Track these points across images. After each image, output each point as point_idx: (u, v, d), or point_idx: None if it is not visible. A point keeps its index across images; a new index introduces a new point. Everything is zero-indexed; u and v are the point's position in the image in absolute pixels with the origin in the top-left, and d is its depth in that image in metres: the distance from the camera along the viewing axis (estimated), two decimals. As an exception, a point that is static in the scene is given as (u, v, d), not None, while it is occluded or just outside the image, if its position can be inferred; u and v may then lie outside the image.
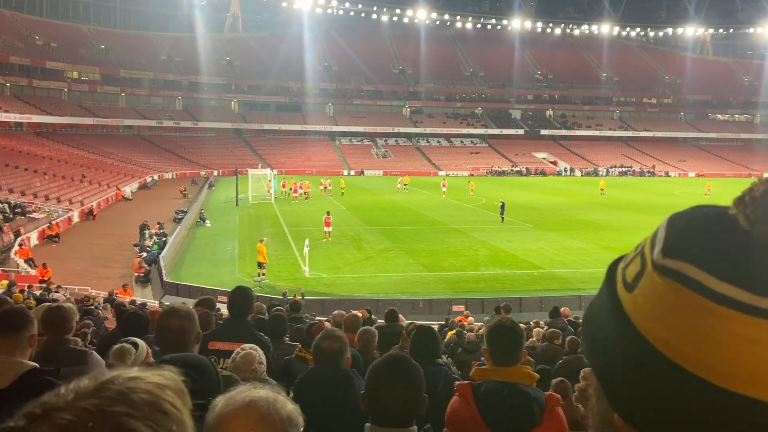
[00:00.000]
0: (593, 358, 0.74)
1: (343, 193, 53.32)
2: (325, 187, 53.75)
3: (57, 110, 74.90)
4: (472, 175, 79.51)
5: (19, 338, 2.97)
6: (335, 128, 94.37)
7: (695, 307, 0.63)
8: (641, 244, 0.74)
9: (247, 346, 3.72)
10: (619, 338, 0.69)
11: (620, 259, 0.79)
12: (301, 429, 1.36)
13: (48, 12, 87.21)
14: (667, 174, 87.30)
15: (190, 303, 18.04)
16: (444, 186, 54.28)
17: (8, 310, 3.25)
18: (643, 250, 0.72)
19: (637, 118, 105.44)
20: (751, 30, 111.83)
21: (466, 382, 3.00)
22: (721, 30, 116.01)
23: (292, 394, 3.42)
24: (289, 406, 1.36)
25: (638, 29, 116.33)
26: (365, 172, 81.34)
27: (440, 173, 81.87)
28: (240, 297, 4.70)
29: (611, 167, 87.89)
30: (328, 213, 32.50)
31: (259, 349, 3.72)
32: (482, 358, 3.65)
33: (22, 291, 15.44)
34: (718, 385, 0.61)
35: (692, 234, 0.67)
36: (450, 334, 11.96)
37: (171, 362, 2.35)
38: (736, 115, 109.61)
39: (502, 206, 38.61)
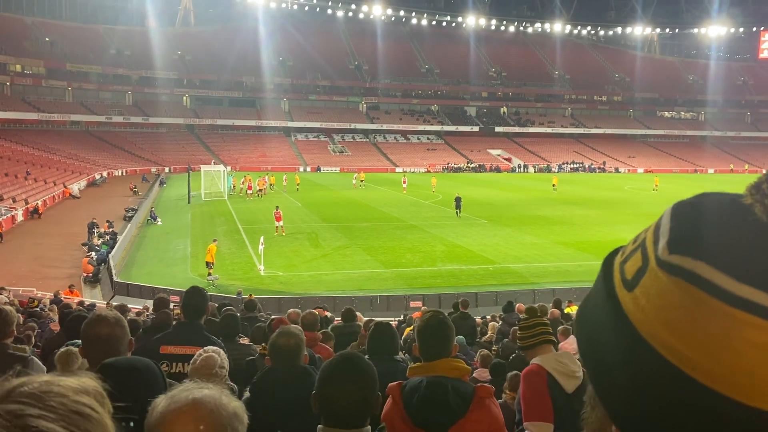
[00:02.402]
0: (588, 362, 0.67)
1: (298, 189, 52.93)
2: (271, 184, 52.67)
3: (-1, 105, 72.10)
4: (428, 171, 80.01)
5: None
6: (291, 124, 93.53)
7: (708, 311, 0.55)
8: (641, 236, 0.66)
9: (210, 348, 3.59)
10: (618, 342, 0.62)
11: (617, 251, 0.71)
12: (246, 425, 1.33)
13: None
14: (617, 170, 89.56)
15: (143, 303, 17.54)
16: (404, 182, 54.42)
17: None
18: (644, 243, 0.64)
19: (588, 116, 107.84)
20: (696, 30, 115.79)
21: (396, 383, 2.95)
22: (667, 30, 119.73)
23: (249, 394, 3.33)
24: (234, 402, 1.33)
25: (589, 28, 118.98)
26: (322, 168, 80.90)
27: (397, 170, 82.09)
28: (194, 298, 4.54)
29: (563, 164, 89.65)
30: (277, 207, 32.70)
31: (222, 352, 3.59)
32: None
33: (-39, 293, 14.76)
34: (733, 398, 0.54)
35: (702, 226, 0.59)
36: (408, 330, 11.95)
37: (114, 366, 2.23)
38: (683, 113, 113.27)
39: (458, 201, 39.04)
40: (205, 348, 3.66)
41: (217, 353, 3.58)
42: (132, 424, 1.83)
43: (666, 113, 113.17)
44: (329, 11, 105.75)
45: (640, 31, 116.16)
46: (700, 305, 0.56)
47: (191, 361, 3.59)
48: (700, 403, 0.55)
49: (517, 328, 8.68)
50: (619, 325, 0.62)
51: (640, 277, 0.62)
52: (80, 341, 4.18)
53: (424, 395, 2.82)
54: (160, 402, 1.31)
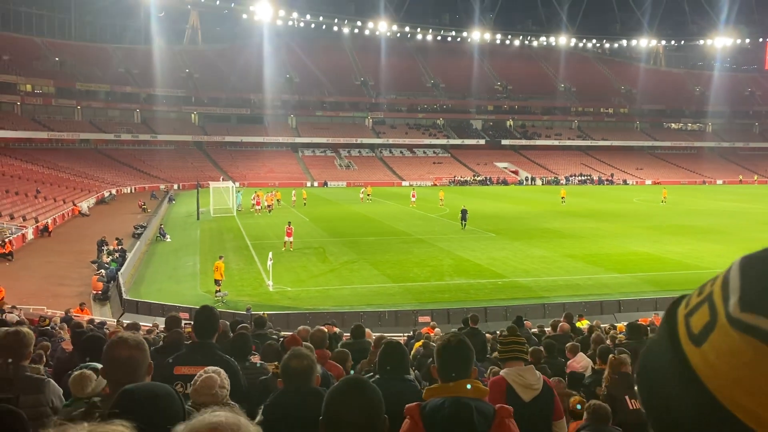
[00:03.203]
0: (652, 413, 0.65)
1: (305, 204, 53.06)
2: (278, 200, 52.87)
3: (9, 124, 72.86)
4: (435, 185, 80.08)
5: None
6: (298, 140, 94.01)
7: None
8: (707, 289, 0.64)
9: (210, 369, 3.60)
10: (685, 397, 0.60)
11: (679, 300, 0.68)
12: None
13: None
14: (625, 182, 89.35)
15: (152, 320, 17.58)
16: (413, 196, 54.36)
17: None
18: (712, 297, 0.62)
19: (594, 128, 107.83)
20: (702, 42, 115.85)
21: (415, 403, 2.97)
22: (673, 42, 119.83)
23: (262, 416, 3.34)
24: (251, 428, 1.34)
25: (594, 41, 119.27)
26: (329, 183, 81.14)
27: (403, 183, 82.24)
28: (205, 318, 4.56)
29: (571, 176, 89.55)
30: (289, 223, 32.77)
31: (222, 372, 3.60)
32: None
33: (-27, 312, 14.84)
34: None
35: None
36: (417, 345, 11.92)
37: (135, 393, 2.25)
38: (689, 124, 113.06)
39: (464, 213, 39.32)
40: (205, 368, 3.66)
41: (217, 373, 3.57)
42: None
43: (673, 125, 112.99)
44: (335, 28, 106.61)
45: (645, 43, 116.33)
46: None
47: (192, 382, 3.60)
48: None
49: (530, 348, 8.71)
50: (687, 380, 0.61)
51: (709, 333, 0.61)
52: (94, 362, 4.24)
53: (449, 416, 2.84)
54: (180, 430, 1.32)
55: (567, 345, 8.77)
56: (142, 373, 2.66)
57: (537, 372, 4.33)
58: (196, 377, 3.56)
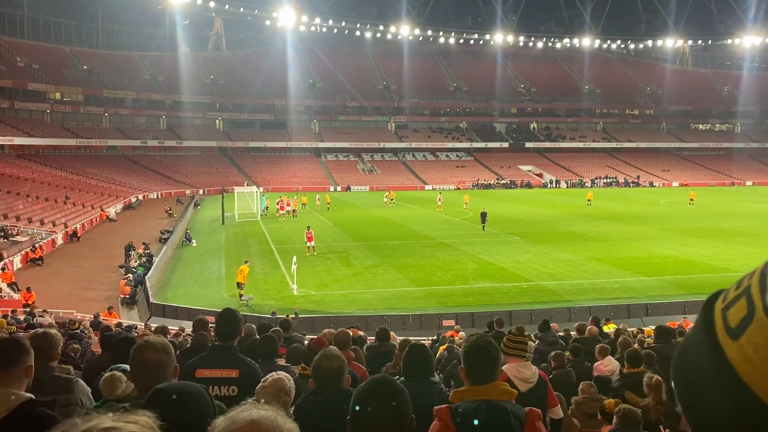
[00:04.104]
0: (688, 408, 0.65)
1: (328, 208, 53.27)
2: (303, 204, 53.43)
3: (39, 132, 74.37)
4: (458, 188, 79.85)
5: (16, 371, 2.89)
6: (321, 144, 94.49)
7: None
8: (744, 282, 0.64)
9: (281, 373, 3.65)
10: (721, 392, 0.60)
11: (716, 295, 0.68)
12: None
13: (30, 33, 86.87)
14: (651, 184, 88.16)
15: (179, 324, 17.74)
16: (440, 200, 54.29)
17: (5, 341, 3.15)
18: (749, 290, 0.62)
19: (620, 129, 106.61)
20: (729, 41, 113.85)
21: (444, 405, 2.96)
22: (699, 41, 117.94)
23: (293, 415, 3.35)
24: (289, 423, 1.37)
25: (619, 42, 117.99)
26: (352, 187, 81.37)
27: (426, 187, 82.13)
28: (226, 320, 4.59)
29: (596, 178, 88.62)
30: (308, 227, 32.94)
31: (292, 380, 3.64)
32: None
33: (5, 316, 15.18)
34: None
35: None
36: (441, 349, 11.88)
37: (166, 391, 2.28)
38: (717, 125, 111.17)
39: (483, 216, 39.60)
40: (277, 371, 3.72)
41: (288, 379, 3.62)
42: None
43: (700, 126, 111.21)
44: (357, 33, 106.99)
45: (671, 43, 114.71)
46: None
47: (261, 380, 3.65)
48: None
49: (553, 352, 8.65)
50: (723, 374, 0.60)
51: (746, 326, 0.60)
52: (124, 364, 4.29)
53: (486, 419, 2.83)
54: (220, 423, 1.35)
55: (597, 347, 8.68)
56: (168, 376, 2.70)
57: (533, 367, 4.84)
58: (267, 376, 3.63)
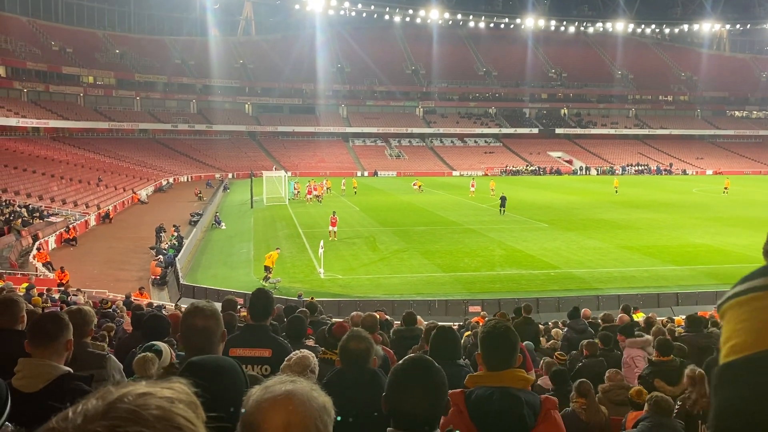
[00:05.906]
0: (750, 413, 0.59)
1: (355, 192, 53.34)
2: (328, 188, 53.61)
3: (73, 115, 75.67)
4: (486, 174, 79.20)
5: (56, 345, 2.98)
6: (348, 129, 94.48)
7: None
8: None
9: (305, 351, 3.71)
10: None
11: None
12: (333, 419, 1.42)
13: (64, 18, 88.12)
14: (684, 172, 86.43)
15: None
16: (473, 186, 53.66)
17: (45, 316, 3.25)
18: None
19: (653, 116, 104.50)
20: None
21: (459, 390, 2.94)
22: (738, 26, 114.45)
23: None
24: (323, 397, 1.42)
25: (653, 26, 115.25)
26: (379, 173, 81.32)
27: (454, 173, 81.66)
28: (260, 300, 4.64)
29: (627, 165, 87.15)
30: (334, 213, 32.81)
31: (314, 357, 3.70)
32: None
33: (41, 294, 15.56)
34: None
35: None
36: (466, 334, 11.86)
37: (200, 365, 2.32)
38: (755, 112, 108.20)
39: (503, 199, 40.62)
40: (301, 350, 3.78)
41: (312, 357, 3.67)
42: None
43: (736, 112, 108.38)
44: (386, 17, 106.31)
45: (708, 27, 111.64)
46: None
47: (286, 359, 3.70)
48: None
49: (585, 341, 8.58)
50: None
51: None
52: (155, 341, 4.38)
53: (499, 407, 2.80)
54: (256, 391, 1.41)
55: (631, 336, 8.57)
56: (217, 341, 2.77)
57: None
58: (291, 354, 3.70)
